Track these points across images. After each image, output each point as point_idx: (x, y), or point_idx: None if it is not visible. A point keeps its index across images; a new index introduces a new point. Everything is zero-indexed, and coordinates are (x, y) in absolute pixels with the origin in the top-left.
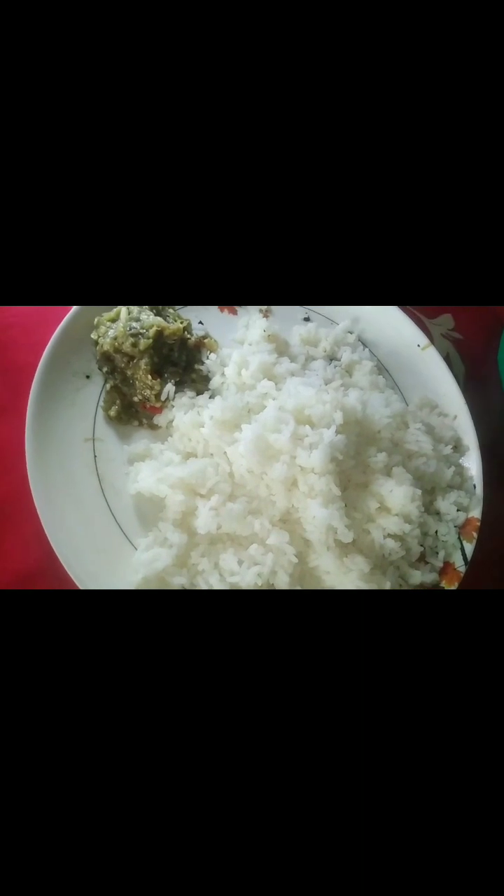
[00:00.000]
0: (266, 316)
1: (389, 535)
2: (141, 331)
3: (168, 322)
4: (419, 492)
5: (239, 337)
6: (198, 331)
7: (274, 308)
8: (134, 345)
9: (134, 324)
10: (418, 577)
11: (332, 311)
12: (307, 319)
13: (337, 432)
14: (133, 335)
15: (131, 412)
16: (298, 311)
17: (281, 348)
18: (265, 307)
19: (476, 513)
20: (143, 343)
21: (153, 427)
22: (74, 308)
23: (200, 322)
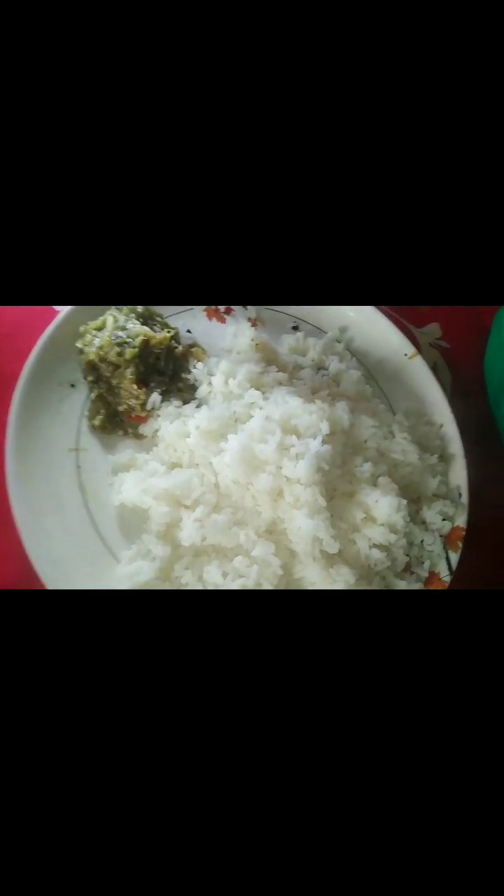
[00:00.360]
0: (255, 325)
1: (375, 546)
2: (127, 340)
3: (155, 331)
4: (404, 502)
5: (227, 345)
6: (185, 339)
7: (263, 316)
8: (119, 354)
9: (120, 332)
10: (403, 587)
11: (320, 320)
12: (296, 328)
13: (323, 442)
14: (119, 344)
15: (116, 421)
16: (287, 319)
17: (269, 357)
18: (254, 315)
19: (461, 522)
20: (128, 352)
21: (138, 436)
22: (59, 316)
23: (188, 331)
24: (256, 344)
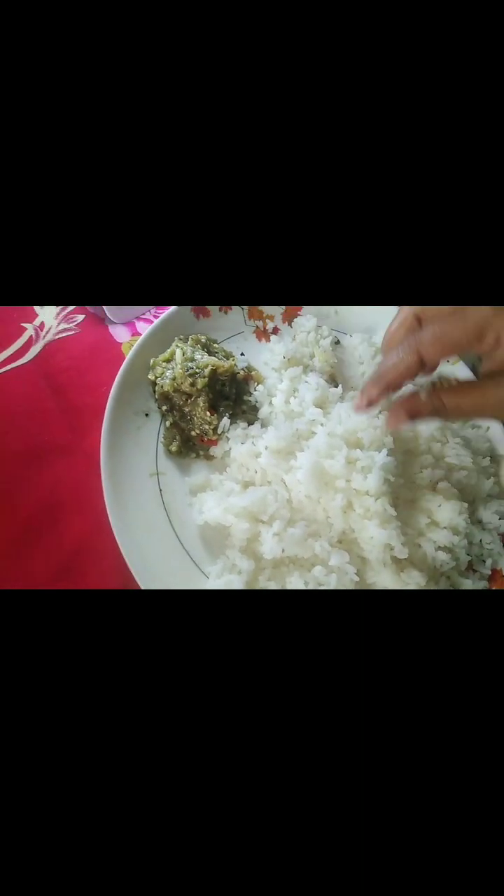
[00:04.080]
0: (295, 339)
1: (440, 548)
2: (197, 370)
3: (218, 358)
4: (465, 505)
5: (265, 360)
6: (240, 362)
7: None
8: (192, 384)
9: (190, 364)
10: (469, 585)
11: (341, 324)
12: (337, 343)
13: (387, 454)
14: (190, 375)
15: (189, 445)
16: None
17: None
18: (294, 335)
19: None
20: (200, 382)
21: (209, 458)
22: (131, 353)
23: (242, 353)
24: (288, 360)
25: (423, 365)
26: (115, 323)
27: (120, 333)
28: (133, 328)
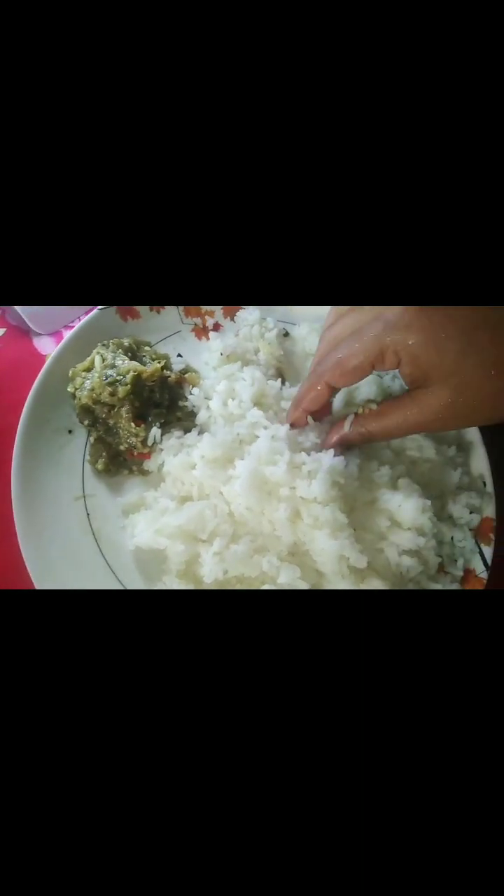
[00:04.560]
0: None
1: (404, 552)
2: (118, 378)
3: (144, 362)
4: (429, 502)
5: (213, 363)
6: (177, 364)
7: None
8: (112, 393)
9: (109, 371)
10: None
11: (305, 316)
12: (286, 335)
13: (334, 454)
14: (110, 383)
15: (119, 461)
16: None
17: (245, 361)
18: (237, 330)
19: (489, 512)
20: (121, 390)
21: (144, 473)
22: (47, 362)
23: (179, 355)
24: (227, 356)
25: (335, 390)
26: (40, 334)
27: (45, 345)
28: (60, 338)
